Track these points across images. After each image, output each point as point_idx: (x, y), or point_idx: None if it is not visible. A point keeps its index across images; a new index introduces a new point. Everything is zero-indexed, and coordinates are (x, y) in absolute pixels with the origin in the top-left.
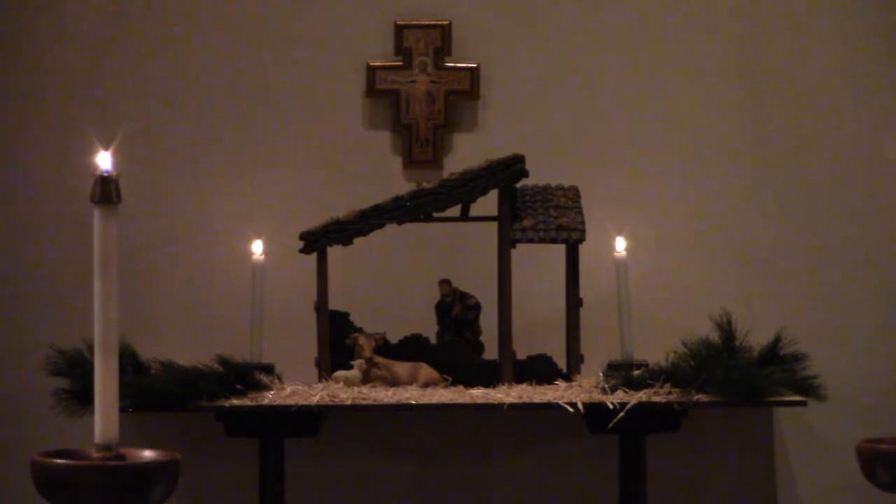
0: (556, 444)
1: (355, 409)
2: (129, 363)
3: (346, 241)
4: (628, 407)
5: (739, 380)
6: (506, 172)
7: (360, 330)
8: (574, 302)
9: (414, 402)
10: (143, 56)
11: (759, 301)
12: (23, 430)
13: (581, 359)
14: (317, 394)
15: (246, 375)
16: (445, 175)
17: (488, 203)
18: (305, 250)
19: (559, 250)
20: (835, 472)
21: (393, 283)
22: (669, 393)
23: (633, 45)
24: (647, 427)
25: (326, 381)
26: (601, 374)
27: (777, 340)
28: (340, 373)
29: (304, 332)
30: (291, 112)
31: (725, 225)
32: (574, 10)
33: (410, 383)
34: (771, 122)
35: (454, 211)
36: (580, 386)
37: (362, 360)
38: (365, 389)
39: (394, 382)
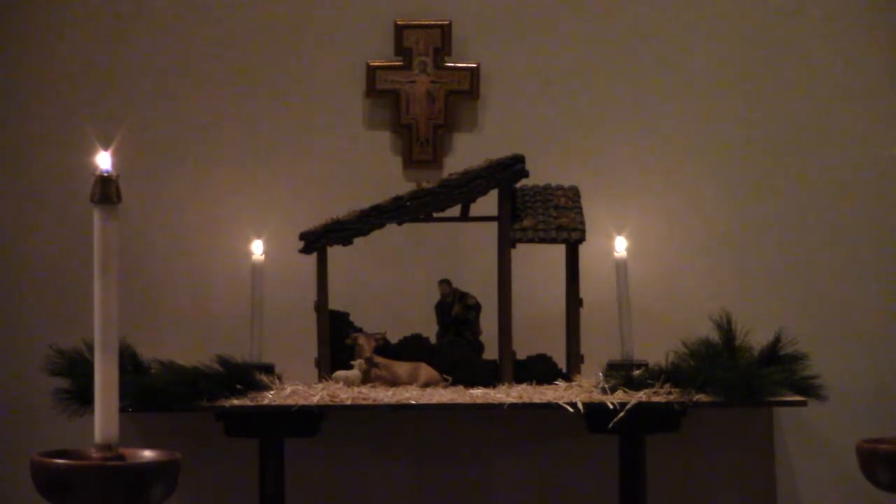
0: (556, 444)
1: (355, 409)
2: (129, 363)
3: (346, 241)
4: (628, 407)
5: (739, 380)
6: (506, 172)
7: (360, 330)
8: (574, 302)
9: (414, 402)
10: (142, 56)
11: (759, 301)
12: (23, 430)
13: (581, 359)
14: (317, 394)
15: (246, 375)
16: (445, 175)
17: (488, 203)
18: (305, 250)
19: (559, 250)
20: (835, 472)
21: (393, 283)
22: (669, 393)
23: (633, 44)
24: (647, 427)
25: (326, 381)
26: (601, 374)
27: (777, 340)
28: (340, 373)
29: (304, 332)
30: (292, 112)
31: (725, 225)
32: (574, 11)
33: (410, 383)
34: (772, 122)
35: (454, 211)
36: (580, 386)
37: (362, 360)
38: (365, 389)
39: (394, 382)
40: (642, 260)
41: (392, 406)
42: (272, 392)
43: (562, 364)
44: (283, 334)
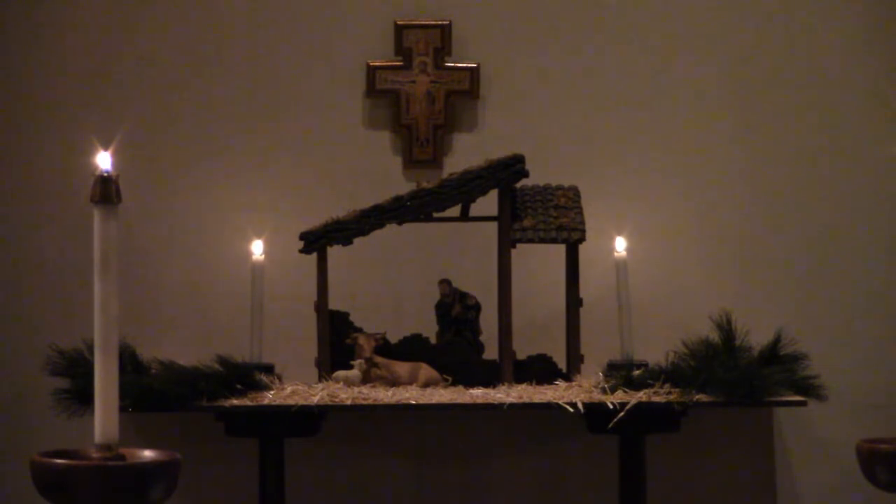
0: (556, 444)
1: (355, 409)
2: (129, 363)
3: (346, 241)
4: (628, 407)
5: (739, 380)
6: (506, 172)
7: (360, 330)
8: (574, 302)
9: (414, 402)
10: (143, 57)
11: (759, 301)
12: (23, 430)
13: (581, 359)
14: (317, 394)
15: (246, 375)
16: (445, 175)
17: (488, 203)
18: (305, 250)
19: (559, 250)
20: (835, 472)
21: (393, 283)
22: (669, 393)
23: (633, 44)
24: (647, 427)
25: (326, 381)
26: (601, 374)
27: (777, 340)
28: (340, 373)
29: (304, 332)
30: (291, 112)
31: (725, 225)
32: (574, 11)
33: (410, 383)
34: (772, 122)
35: (454, 211)
36: (580, 386)
37: (362, 360)
38: (365, 389)
39: (394, 382)
40: (642, 260)
41: (392, 406)
42: (272, 392)
43: (562, 364)
44: (283, 334)
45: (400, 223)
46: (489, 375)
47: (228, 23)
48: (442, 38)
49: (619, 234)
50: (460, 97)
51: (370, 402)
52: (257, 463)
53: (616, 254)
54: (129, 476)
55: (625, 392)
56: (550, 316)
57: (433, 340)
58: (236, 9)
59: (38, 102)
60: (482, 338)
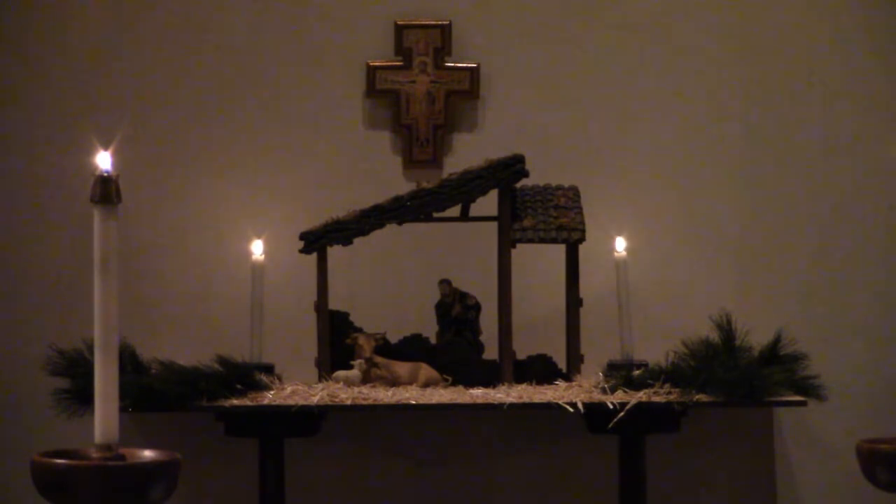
0: (556, 444)
1: (355, 409)
2: (129, 363)
3: (346, 241)
4: (628, 407)
5: (739, 380)
6: (506, 172)
7: (360, 330)
8: (574, 302)
9: (414, 402)
10: (142, 56)
11: (759, 301)
12: (23, 430)
13: (581, 359)
14: (317, 394)
15: (246, 375)
16: (445, 175)
17: (488, 203)
18: (305, 250)
19: (559, 250)
20: (835, 472)
21: (393, 283)
22: (669, 393)
23: (633, 44)
24: (647, 427)
25: (326, 381)
26: (601, 374)
27: (777, 340)
28: (340, 373)
29: (304, 332)
30: (292, 112)
31: (725, 225)
32: (574, 11)
33: (410, 383)
34: (771, 123)
35: (454, 211)
36: (580, 386)
37: (362, 360)
38: (365, 389)
39: (394, 382)
40: (642, 260)
41: (392, 406)
42: (272, 392)
43: (562, 364)
44: (283, 334)
45: (400, 223)
46: (489, 375)
47: (228, 23)
48: (442, 38)
49: (619, 234)
50: (460, 97)
51: (370, 402)
52: (257, 463)
53: (616, 254)
54: (129, 476)
55: (625, 392)
56: (550, 316)
57: (433, 340)
58: (236, 9)
59: (38, 102)
60: (482, 338)
